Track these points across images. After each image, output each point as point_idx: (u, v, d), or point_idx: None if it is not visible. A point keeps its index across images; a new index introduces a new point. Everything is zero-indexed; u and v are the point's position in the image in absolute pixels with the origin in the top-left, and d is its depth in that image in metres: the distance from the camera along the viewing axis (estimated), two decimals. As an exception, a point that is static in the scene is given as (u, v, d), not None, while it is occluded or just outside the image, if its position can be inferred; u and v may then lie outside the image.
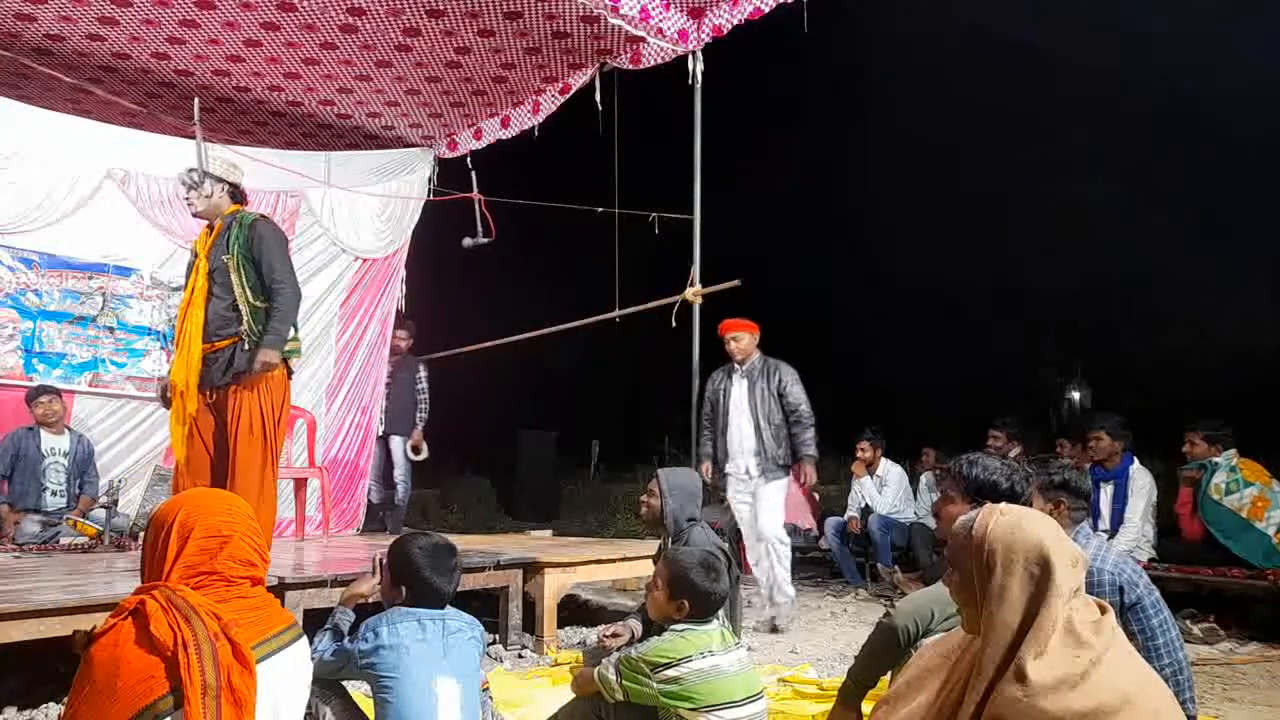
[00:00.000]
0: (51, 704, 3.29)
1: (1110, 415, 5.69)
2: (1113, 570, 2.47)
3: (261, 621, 1.89)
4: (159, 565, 1.89)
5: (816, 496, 8.00)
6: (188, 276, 4.22)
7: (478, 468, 14.05)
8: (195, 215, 4.20)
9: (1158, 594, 2.51)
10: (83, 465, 5.98)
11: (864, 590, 6.65)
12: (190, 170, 4.15)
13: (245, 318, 4.05)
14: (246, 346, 4.04)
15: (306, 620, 3.70)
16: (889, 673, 2.61)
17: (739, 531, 7.83)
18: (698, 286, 6.09)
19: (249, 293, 4.07)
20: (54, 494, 5.81)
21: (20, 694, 3.34)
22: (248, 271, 4.07)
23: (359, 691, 2.61)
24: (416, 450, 7.61)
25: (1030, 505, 2.46)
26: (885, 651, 2.51)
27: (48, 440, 5.84)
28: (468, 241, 7.29)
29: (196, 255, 4.21)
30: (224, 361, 4.03)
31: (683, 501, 3.71)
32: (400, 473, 7.67)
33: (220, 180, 4.20)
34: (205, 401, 4.07)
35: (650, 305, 6.49)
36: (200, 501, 1.96)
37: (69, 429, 5.98)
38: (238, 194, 4.30)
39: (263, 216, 4.31)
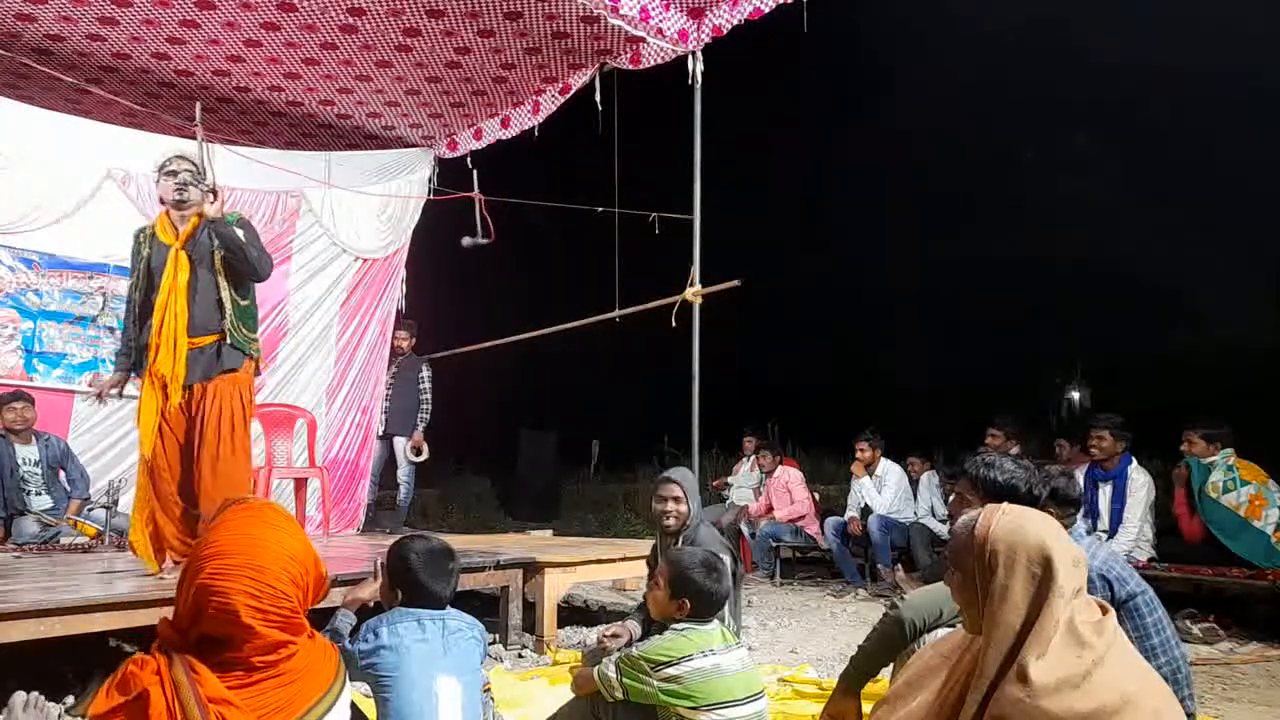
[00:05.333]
0: (51, 705, 3.28)
1: (1112, 415, 5.69)
2: (1101, 567, 2.47)
3: (291, 702, 1.74)
4: (183, 615, 1.75)
5: (817, 497, 8.01)
6: (150, 263, 4.07)
7: (478, 468, 14.04)
8: (184, 210, 4.07)
9: (1151, 592, 2.52)
10: (57, 464, 5.91)
11: (864, 590, 6.65)
12: (177, 157, 4.07)
13: (229, 314, 4.03)
14: (229, 342, 4.02)
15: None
16: (889, 670, 2.62)
17: (739, 531, 7.87)
18: (698, 286, 6.09)
19: (233, 290, 4.06)
20: (37, 494, 5.80)
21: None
22: (231, 268, 4.06)
23: (359, 692, 2.61)
24: (417, 451, 7.54)
25: (1048, 510, 2.46)
26: (890, 642, 2.51)
27: (19, 450, 5.78)
28: (467, 241, 7.28)
29: (164, 245, 4.06)
30: (207, 359, 3.98)
31: (700, 502, 3.72)
32: (404, 473, 7.64)
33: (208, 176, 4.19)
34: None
35: (650, 305, 6.49)
36: (230, 560, 1.73)
37: (36, 435, 5.86)
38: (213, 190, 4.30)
39: (244, 218, 4.31)
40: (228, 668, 1.70)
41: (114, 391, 4.25)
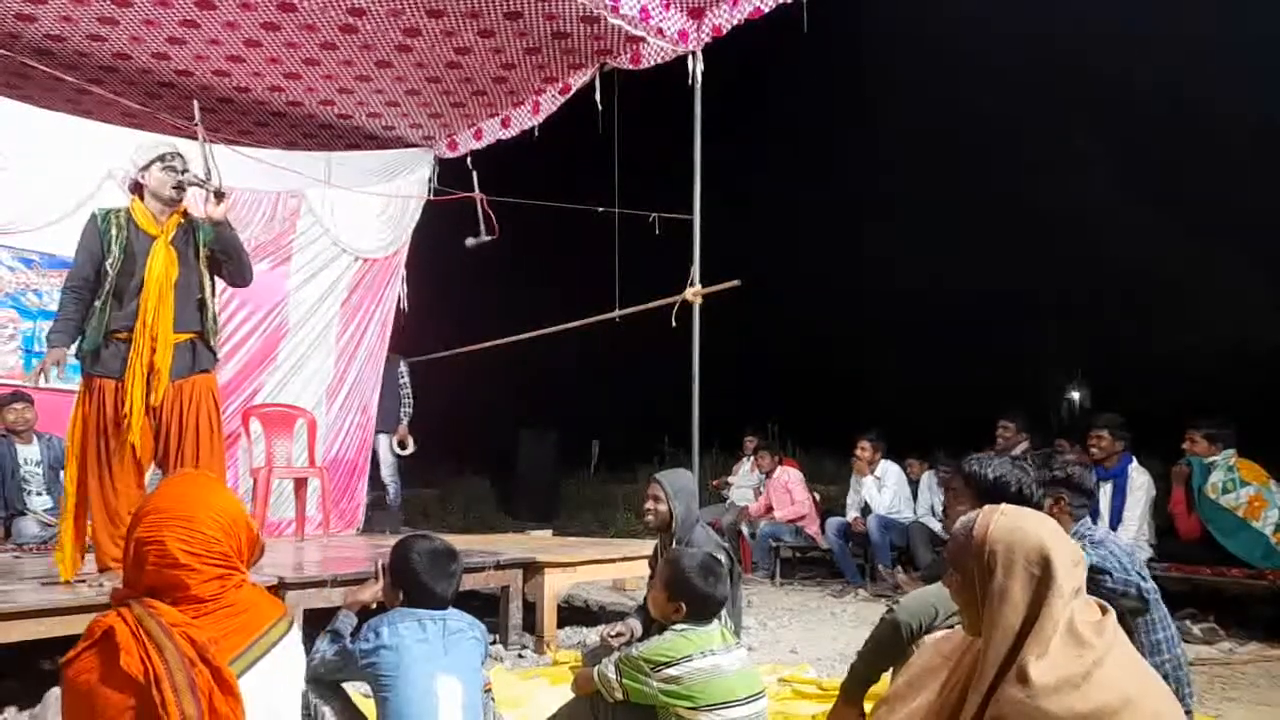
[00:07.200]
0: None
1: (1112, 415, 5.70)
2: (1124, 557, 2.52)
3: (246, 627, 1.86)
4: (131, 575, 1.89)
5: (817, 497, 8.01)
6: (131, 247, 3.87)
7: (478, 468, 14.05)
8: (173, 206, 3.95)
9: (1156, 589, 2.53)
10: (59, 464, 5.88)
11: (864, 590, 6.65)
12: (177, 154, 3.94)
13: (209, 314, 3.99)
14: (206, 342, 3.97)
15: (306, 620, 3.69)
16: (890, 671, 2.62)
17: (739, 530, 7.87)
18: (698, 286, 6.09)
19: (212, 293, 4.02)
20: (37, 494, 5.80)
21: (20, 694, 3.34)
22: (210, 272, 4.01)
23: (358, 692, 2.61)
24: (403, 445, 7.75)
25: (1041, 507, 2.47)
26: (888, 647, 2.51)
27: (21, 450, 5.79)
28: (471, 241, 7.31)
29: (147, 235, 3.89)
30: (183, 357, 3.89)
31: (688, 503, 3.70)
32: (388, 472, 7.73)
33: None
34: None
35: (650, 305, 6.49)
36: (161, 514, 1.89)
37: (37, 435, 5.87)
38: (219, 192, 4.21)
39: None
40: (180, 603, 1.83)
41: (56, 370, 3.98)
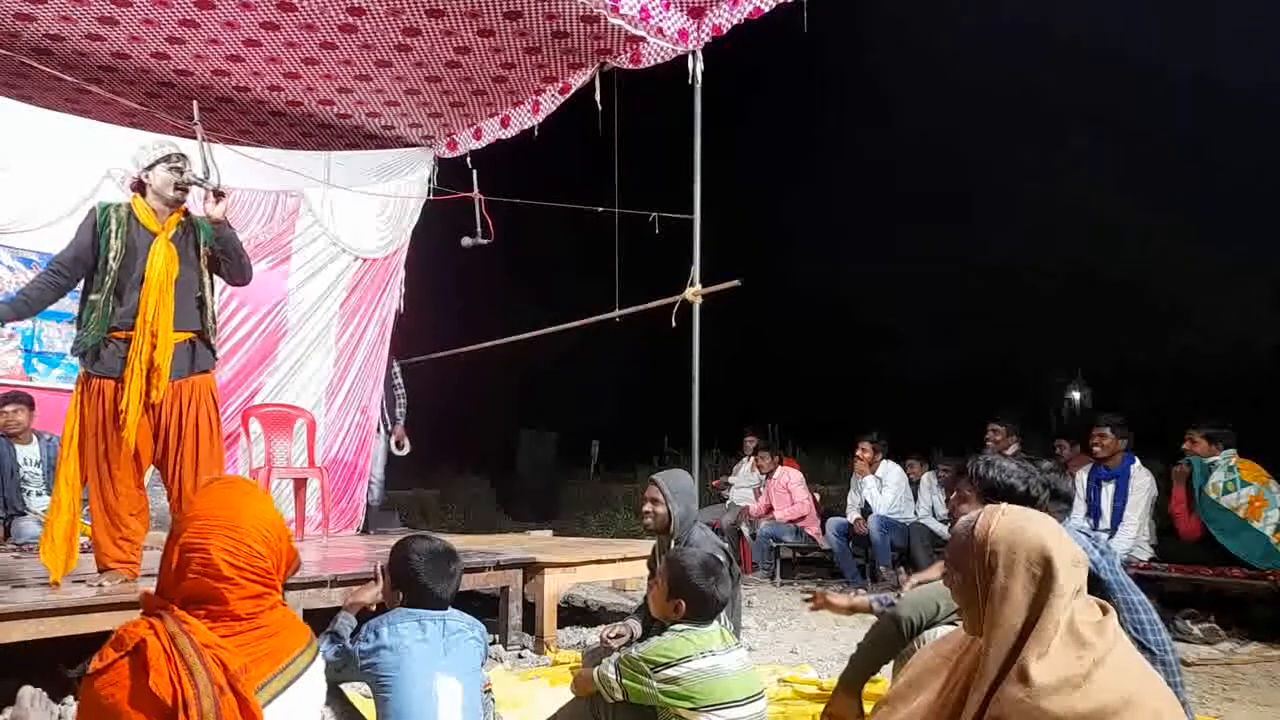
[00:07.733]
0: (51, 705, 3.28)
1: (1114, 414, 5.71)
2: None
3: (276, 651, 1.86)
4: (168, 580, 1.87)
5: (817, 497, 8.00)
6: (134, 243, 3.83)
7: (478, 468, 14.06)
8: (175, 206, 3.93)
9: (1126, 575, 2.53)
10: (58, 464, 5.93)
11: (864, 591, 6.64)
12: (180, 155, 3.93)
13: (209, 313, 3.98)
14: (209, 340, 3.95)
15: (305, 620, 3.68)
16: (889, 670, 2.62)
17: (739, 531, 7.87)
18: (698, 286, 6.09)
19: (211, 292, 4.01)
20: (37, 494, 5.79)
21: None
22: (209, 270, 4.00)
23: (358, 692, 2.61)
24: (399, 445, 7.83)
25: (1046, 509, 2.46)
26: (889, 641, 2.52)
27: (20, 451, 5.77)
28: (467, 241, 7.31)
29: (149, 232, 3.85)
30: (183, 356, 3.86)
31: (686, 504, 3.70)
32: (379, 470, 7.75)
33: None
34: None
35: (650, 305, 6.49)
36: (208, 521, 1.88)
37: (37, 435, 5.85)
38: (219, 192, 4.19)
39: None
40: (215, 618, 1.81)
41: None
